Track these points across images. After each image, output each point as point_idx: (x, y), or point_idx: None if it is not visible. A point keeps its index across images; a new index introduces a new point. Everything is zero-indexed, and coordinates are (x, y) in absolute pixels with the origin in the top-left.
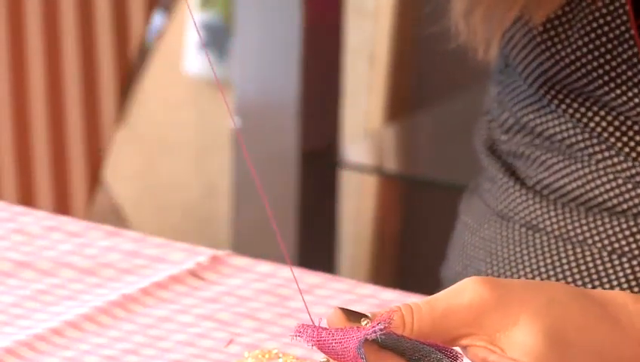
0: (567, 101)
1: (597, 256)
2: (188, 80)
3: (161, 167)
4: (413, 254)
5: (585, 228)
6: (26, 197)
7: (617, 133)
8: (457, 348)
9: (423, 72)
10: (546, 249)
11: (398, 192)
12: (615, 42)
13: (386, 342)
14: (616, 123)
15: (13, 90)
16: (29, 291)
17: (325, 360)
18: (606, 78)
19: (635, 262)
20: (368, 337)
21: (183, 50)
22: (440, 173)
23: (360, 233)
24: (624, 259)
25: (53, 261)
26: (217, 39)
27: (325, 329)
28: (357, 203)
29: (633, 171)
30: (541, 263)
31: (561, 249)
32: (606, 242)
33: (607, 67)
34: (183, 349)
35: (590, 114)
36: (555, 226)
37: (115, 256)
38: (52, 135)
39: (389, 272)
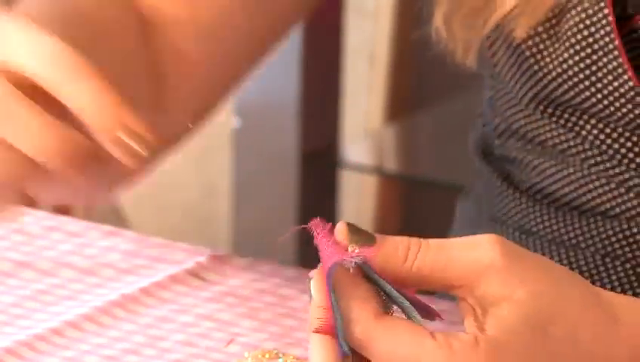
0: (558, 113)
1: (590, 259)
2: None
3: (161, 167)
4: None
5: (578, 231)
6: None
7: (608, 141)
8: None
9: (423, 72)
10: (540, 253)
11: (398, 192)
12: (600, 53)
13: (368, 275)
14: (607, 130)
15: None
16: (29, 291)
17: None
18: (593, 89)
19: (628, 265)
20: (344, 264)
21: None
22: (440, 173)
23: None
24: (617, 263)
25: (53, 261)
26: None
27: (329, 236)
28: (357, 203)
29: (626, 176)
30: None
31: (555, 253)
32: (599, 245)
33: (593, 78)
34: (183, 349)
35: (581, 122)
36: (549, 230)
37: (115, 256)
38: None
39: None
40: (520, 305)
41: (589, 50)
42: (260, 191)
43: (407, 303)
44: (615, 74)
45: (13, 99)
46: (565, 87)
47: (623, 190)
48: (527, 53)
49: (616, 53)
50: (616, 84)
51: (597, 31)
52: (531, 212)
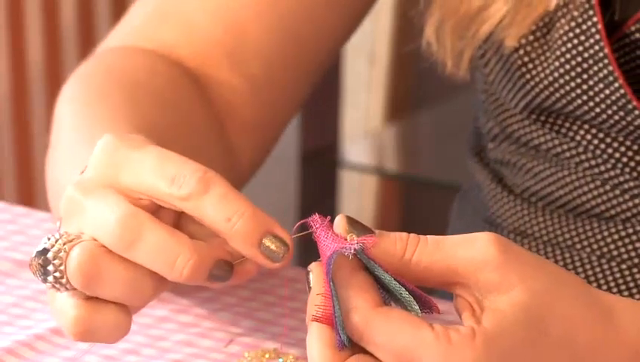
0: (551, 120)
1: (586, 260)
2: None
3: None
4: None
5: (573, 233)
6: (26, 198)
7: (602, 146)
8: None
9: (423, 72)
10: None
11: (398, 192)
12: (590, 62)
13: (369, 266)
14: (601, 135)
15: (14, 91)
16: (29, 291)
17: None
18: (584, 97)
19: (624, 266)
20: (343, 252)
21: None
22: (440, 173)
23: None
24: (613, 264)
25: None
26: None
27: (328, 228)
28: (357, 203)
29: (621, 179)
30: None
31: (550, 254)
32: (595, 247)
33: (584, 87)
34: (183, 349)
35: (575, 128)
36: (544, 232)
37: None
38: None
39: None
40: (517, 301)
41: (579, 59)
42: (259, 191)
43: (406, 294)
44: (606, 82)
45: (143, 221)
46: (557, 95)
47: (617, 192)
48: (519, 63)
49: (606, 61)
50: (607, 91)
51: (587, 39)
52: (526, 214)
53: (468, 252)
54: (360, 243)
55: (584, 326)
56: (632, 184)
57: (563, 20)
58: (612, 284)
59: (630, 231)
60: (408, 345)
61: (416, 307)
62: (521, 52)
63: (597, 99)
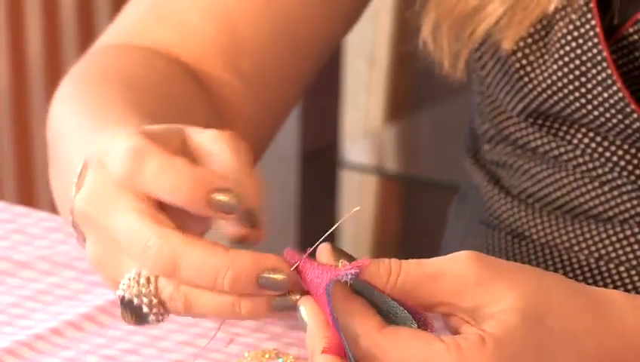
0: (548, 123)
1: (584, 262)
2: None
3: None
4: (413, 254)
5: (571, 234)
6: (26, 198)
7: (600, 149)
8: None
9: (423, 73)
10: (533, 256)
11: (398, 192)
12: (589, 65)
13: (359, 290)
14: (599, 138)
15: (13, 88)
16: (29, 291)
17: (297, 297)
18: (582, 100)
19: (622, 268)
20: (340, 279)
21: None
22: (440, 173)
23: (360, 233)
24: (612, 265)
25: (53, 261)
26: None
27: (310, 260)
28: (357, 203)
29: (619, 181)
30: None
31: (548, 256)
32: (593, 248)
33: (582, 90)
34: (183, 349)
35: (572, 131)
36: (542, 234)
37: None
38: None
39: None
40: (513, 307)
41: (577, 62)
42: None
43: (403, 312)
44: (604, 85)
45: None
46: (555, 98)
47: (615, 193)
48: (517, 66)
49: (604, 64)
50: (605, 95)
51: (585, 42)
52: (523, 216)
53: (450, 271)
54: (356, 268)
55: (577, 315)
56: (629, 187)
57: (561, 23)
58: (610, 286)
59: (628, 232)
60: (422, 358)
61: (414, 325)
62: (519, 55)
63: (595, 103)
